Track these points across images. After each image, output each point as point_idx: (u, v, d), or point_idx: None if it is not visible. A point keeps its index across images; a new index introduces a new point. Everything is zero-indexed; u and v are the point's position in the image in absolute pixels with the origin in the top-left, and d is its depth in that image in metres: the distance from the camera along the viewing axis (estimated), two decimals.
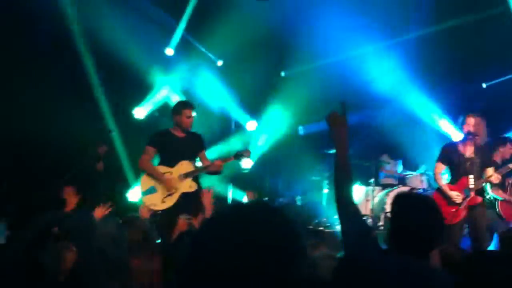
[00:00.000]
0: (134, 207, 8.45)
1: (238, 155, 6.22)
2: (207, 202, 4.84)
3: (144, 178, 6.11)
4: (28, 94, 7.41)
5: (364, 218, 8.08)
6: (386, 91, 9.12)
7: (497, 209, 6.62)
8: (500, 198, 6.61)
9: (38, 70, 7.63)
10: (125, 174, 8.70)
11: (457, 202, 5.90)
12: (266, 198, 8.97)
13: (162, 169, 6.04)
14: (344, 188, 2.64)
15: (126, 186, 8.81)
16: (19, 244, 1.95)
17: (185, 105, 6.25)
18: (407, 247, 2.54)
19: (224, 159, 6.26)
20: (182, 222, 4.71)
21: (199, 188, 5.92)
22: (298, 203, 9.14)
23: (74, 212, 4.14)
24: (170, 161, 6.04)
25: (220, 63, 9.72)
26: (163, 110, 9.20)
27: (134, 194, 8.84)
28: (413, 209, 2.62)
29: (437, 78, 8.90)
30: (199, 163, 6.24)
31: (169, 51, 9.27)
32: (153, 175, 6.00)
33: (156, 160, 6.18)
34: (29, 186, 7.16)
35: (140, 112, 9.29)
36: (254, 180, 9.39)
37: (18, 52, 7.52)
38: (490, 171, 6.01)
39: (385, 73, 9.13)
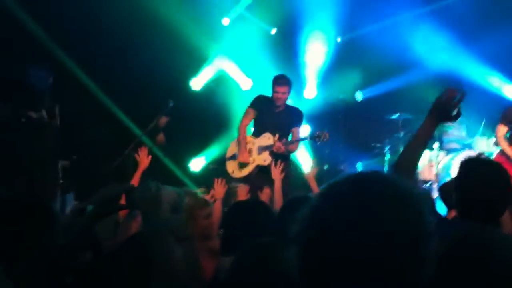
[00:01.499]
0: (195, 176, 8.64)
1: (315, 137, 6.02)
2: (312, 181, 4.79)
3: (233, 143, 6.34)
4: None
5: (429, 183, 7.88)
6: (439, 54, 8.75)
7: None
8: None
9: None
10: (186, 145, 8.83)
11: None
12: (326, 166, 8.89)
13: (248, 138, 6.18)
14: (408, 168, 2.45)
15: (188, 157, 8.97)
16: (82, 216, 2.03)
17: (276, 81, 6.21)
18: (475, 213, 2.48)
19: (301, 139, 6.25)
20: (242, 190, 4.75)
21: (276, 162, 5.61)
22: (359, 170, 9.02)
23: (142, 182, 4.23)
24: (259, 130, 6.17)
25: (274, 31, 9.58)
26: (219, 80, 9.25)
27: (195, 164, 9.01)
28: (481, 173, 2.54)
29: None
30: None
31: (226, 21, 9.21)
32: (239, 142, 6.17)
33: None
34: (95, 157, 7.42)
35: (197, 83, 9.36)
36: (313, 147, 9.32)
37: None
38: None
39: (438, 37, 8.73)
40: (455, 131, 9.04)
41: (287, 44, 9.41)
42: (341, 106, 9.40)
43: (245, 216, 2.99)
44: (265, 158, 6.01)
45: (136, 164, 4.84)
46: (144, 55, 8.05)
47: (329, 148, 9.12)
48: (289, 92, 6.21)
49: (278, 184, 4.82)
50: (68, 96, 6.91)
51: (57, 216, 2.33)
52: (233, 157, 6.24)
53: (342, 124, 9.27)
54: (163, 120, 7.44)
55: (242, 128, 6.23)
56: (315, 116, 9.38)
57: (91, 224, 2.00)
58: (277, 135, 6.09)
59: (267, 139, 6.08)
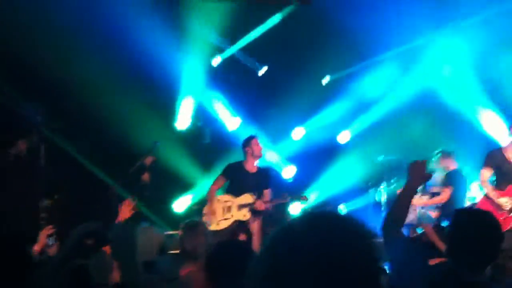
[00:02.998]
0: (179, 217, 8.57)
1: (295, 198, 7.23)
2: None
3: (205, 208, 6.91)
4: None
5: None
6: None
7: None
8: None
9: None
10: (171, 185, 8.80)
11: (507, 209, 5.74)
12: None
13: (227, 197, 6.87)
14: (397, 224, 2.73)
15: (172, 197, 8.92)
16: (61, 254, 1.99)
17: (253, 137, 7.10)
18: (465, 261, 2.52)
19: (280, 200, 7.03)
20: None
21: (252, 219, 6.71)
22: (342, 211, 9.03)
23: (117, 223, 4.15)
24: (235, 192, 6.84)
25: (262, 71, 9.64)
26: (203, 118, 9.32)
27: (179, 205, 8.95)
28: (474, 225, 2.60)
29: None
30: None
31: (216, 61, 9.27)
32: (209, 200, 6.87)
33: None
34: (81, 195, 7.39)
35: (182, 123, 9.35)
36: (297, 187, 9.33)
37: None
38: None
39: None
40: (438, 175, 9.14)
41: (273, 84, 9.52)
42: (327, 146, 9.49)
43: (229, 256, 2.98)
44: (244, 214, 6.70)
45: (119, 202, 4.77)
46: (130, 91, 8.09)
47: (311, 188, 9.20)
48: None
49: (256, 236, 5.26)
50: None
51: (32, 260, 2.30)
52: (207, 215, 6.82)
53: (325, 165, 9.37)
54: (149, 159, 7.45)
55: (211, 192, 6.94)
56: (301, 157, 9.45)
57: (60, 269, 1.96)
58: (254, 195, 6.82)
59: (247, 198, 6.76)
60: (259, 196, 6.82)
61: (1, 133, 5.94)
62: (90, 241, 3.13)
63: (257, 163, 7.01)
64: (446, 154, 7.48)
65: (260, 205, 6.68)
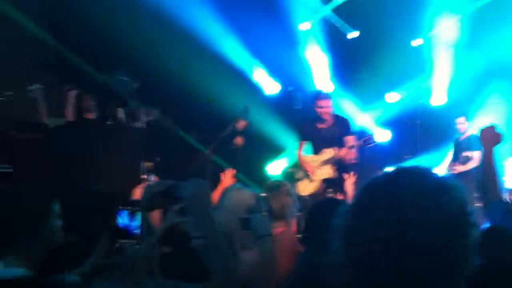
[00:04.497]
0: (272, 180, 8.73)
1: (366, 141, 6.60)
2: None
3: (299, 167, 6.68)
4: None
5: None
6: None
7: None
8: None
9: None
10: (264, 149, 8.96)
11: None
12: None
13: (310, 157, 6.57)
14: (491, 187, 2.85)
15: (265, 161, 9.09)
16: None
17: (317, 97, 6.57)
18: None
19: (360, 143, 6.55)
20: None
21: (340, 173, 5.95)
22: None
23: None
24: (316, 149, 6.54)
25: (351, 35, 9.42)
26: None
27: (273, 168, 9.11)
28: None
29: None
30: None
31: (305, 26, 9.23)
32: (302, 164, 6.58)
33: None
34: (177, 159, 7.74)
35: (272, 88, 9.46)
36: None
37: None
38: None
39: None
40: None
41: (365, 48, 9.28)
42: (419, 111, 9.17)
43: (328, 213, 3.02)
44: (329, 171, 6.39)
45: (215, 167, 4.94)
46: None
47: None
48: (332, 104, 6.56)
49: (350, 193, 5.00)
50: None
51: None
52: (300, 179, 6.56)
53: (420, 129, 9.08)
54: (241, 123, 7.62)
55: (300, 157, 6.69)
56: (395, 120, 9.21)
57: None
58: (336, 148, 6.44)
59: (327, 153, 6.43)
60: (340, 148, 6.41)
61: (101, 103, 6.34)
62: (163, 199, 3.27)
63: (327, 119, 6.50)
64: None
65: (344, 154, 6.27)
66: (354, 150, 6.37)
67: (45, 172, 5.43)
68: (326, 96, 6.56)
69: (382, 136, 9.34)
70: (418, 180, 1.14)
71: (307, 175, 6.53)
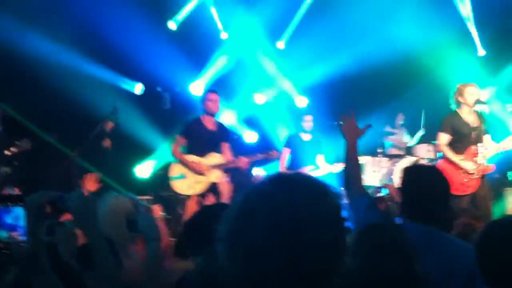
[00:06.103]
0: (142, 183, 8.55)
1: (266, 154, 6.56)
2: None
3: (174, 164, 6.46)
4: None
5: (371, 190, 8.10)
6: None
7: None
8: None
9: None
10: (133, 150, 8.72)
11: (471, 172, 5.84)
12: None
13: (193, 157, 6.37)
14: (355, 181, 2.84)
15: (134, 162, 8.85)
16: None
17: (205, 92, 6.81)
18: (417, 215, 2.60)
19: (252, 156, 6.51)
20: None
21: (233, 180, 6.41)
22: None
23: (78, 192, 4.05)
24: (197, 150, 6.39)
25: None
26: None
27: (141, 170, 8.90)
28: (420, 180, 2.67)
29: None
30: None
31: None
32: (183, 162, 6.36)
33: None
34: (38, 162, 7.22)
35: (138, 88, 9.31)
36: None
37: None
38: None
39: None
40: (396, 136, 9.40)
41: None
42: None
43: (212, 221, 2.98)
44: (217, 175, 6.34)
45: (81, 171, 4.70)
46: None
47: None
48: (219, 100, 6.61)
49: (226, 196, 5.11)
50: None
51: None
52: (182, 176, 6.40)
53: None
54: (109, 125, 7.33)
55: (176, 152, 6.48)
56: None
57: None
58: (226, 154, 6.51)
59: (216, 158, 6.41)
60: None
61: None
62: (48, 209, 3.05)
63: (214, 119, 6.59)
64: None
65: (240, 163, 6.36)
66: (251, 161, 6.49)
67: None
68: (214, 91, 6.69)
69: (249, 136, 9.63)
70: (296, 188, 1.19)
71: (183, 175, 6.43)
